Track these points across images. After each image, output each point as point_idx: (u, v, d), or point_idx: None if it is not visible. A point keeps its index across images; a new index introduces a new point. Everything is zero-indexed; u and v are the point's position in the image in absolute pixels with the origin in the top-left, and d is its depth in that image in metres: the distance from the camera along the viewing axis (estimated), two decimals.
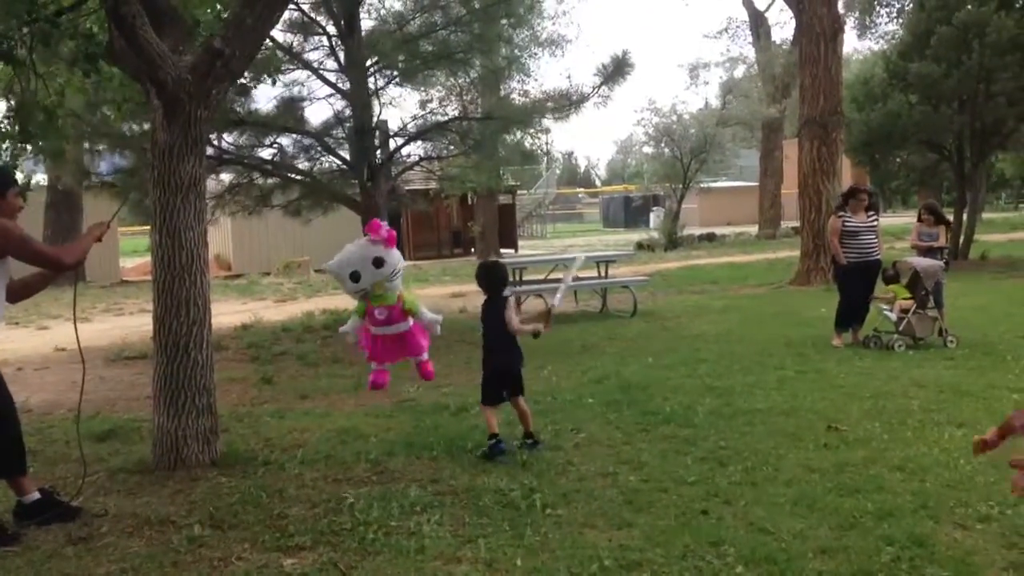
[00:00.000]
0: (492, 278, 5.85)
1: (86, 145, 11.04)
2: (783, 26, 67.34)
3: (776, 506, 4.41)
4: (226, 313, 13.65)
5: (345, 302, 14.34)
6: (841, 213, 9.48)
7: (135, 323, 13.48)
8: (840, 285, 9.56)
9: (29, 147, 7.10)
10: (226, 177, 12.16)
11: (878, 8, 28.10)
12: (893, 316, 9.03)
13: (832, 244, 9.51)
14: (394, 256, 5.03)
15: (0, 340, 10.53)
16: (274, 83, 10.72)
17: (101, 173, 11.82)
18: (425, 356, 5.27)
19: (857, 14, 28.88)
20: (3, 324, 4.66)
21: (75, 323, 5.26)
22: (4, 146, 7.05)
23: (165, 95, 5.20)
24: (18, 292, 4.78)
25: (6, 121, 7.02)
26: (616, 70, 10.96)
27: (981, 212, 24.25)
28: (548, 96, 12.08)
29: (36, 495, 4.62)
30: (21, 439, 4.63)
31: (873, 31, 29.70)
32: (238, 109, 10.35)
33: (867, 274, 9.30)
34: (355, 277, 4.94)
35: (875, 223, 9.47)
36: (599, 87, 11.09)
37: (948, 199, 25.03)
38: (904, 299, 9.00)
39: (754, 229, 34.09)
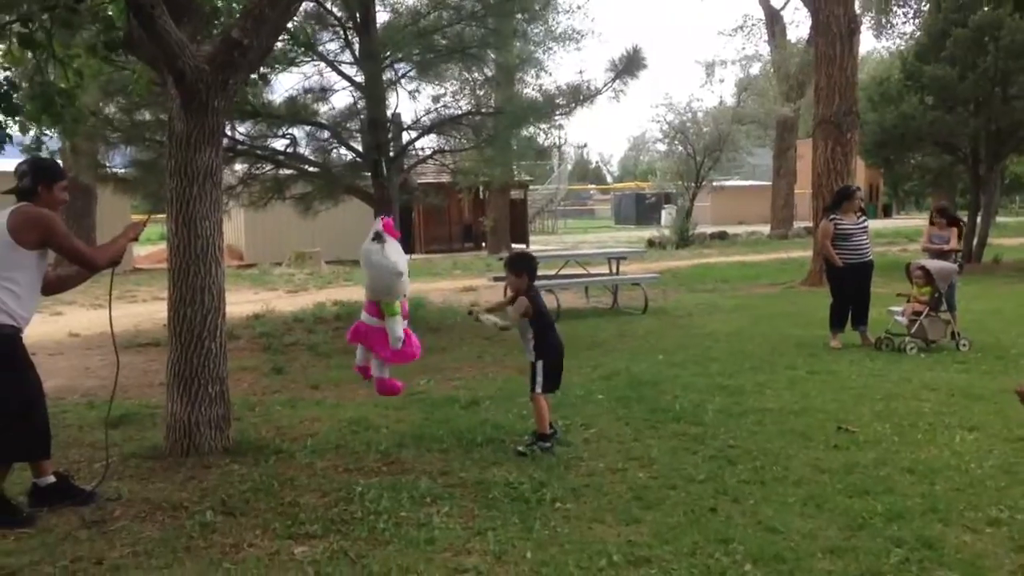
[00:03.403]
0: (535, 264, 5.82)
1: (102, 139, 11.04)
2: (798, 25, 67.15)
3: (785, 505, 4.42)
4: (238, 303, 13.70)
5: (356, 294, 14.36)
6: (832, 216, 9.45)
7: (148, 310, 13.54)
8: (833, 287, 9.52)
9: (49, 132, 7.13)
10: (239, 167, 12.18)
11: (895, 8, 28.00)
12: (904, 319, 9.00)
13: (825, 247, 9.48)
14: None
15: None
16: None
17: (115, 165, 11.86)
18: (386, 372, 5.32)
19: (874, 14, 28.76)
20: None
21: (110, 315, 5.30)
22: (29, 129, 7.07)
23: (183, 85, 5.23)
24: (53, 285, 4.85)
25: (27, 105, 7.04)
26: (628, 65, 10.92)
27: (995, 215, 24.09)
28: (560, 91, 12.06)
29: (51, 479, 4.67)
30: (47, 423, 4.68)
31: (890, 31, 29.62)
32: (252, 100, 10.37)
33: (861, 275, 9.28)
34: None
35: (866, 224, 9.46)
36: (611, 82, 11.06)
37: (962, 202, 24.90)
38: (918, 301, 8.96)
39: (766, 228, 33.99)
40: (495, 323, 5.74)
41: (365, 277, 5.18)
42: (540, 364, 5.58)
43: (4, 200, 4.38)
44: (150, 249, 26.80)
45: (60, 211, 4.64)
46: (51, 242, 4.45)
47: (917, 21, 26.20)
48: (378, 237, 5.03)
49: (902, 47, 25.61)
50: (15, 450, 4.52)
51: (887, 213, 47.49)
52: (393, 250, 5.04)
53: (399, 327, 5.12)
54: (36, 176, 4.53)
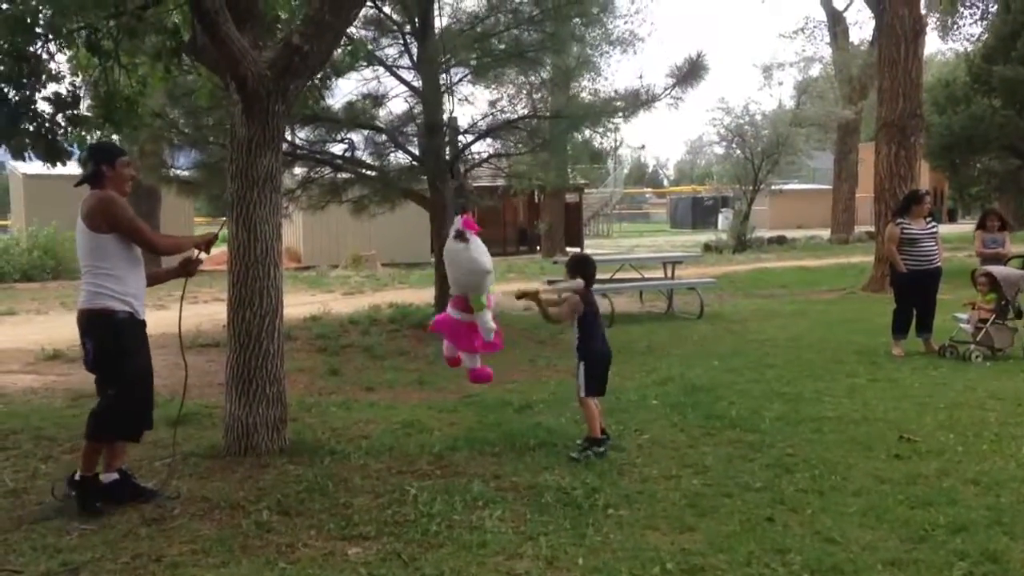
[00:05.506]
0: (594, 267, 5.83)
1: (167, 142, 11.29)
2: (861, 26, 65.72)
3: (844, 516, 4.33)
4: (296, 304, 13.88)
5: (411, 297, 14.47)
6: (900, 220, 9.22)
7: (209, 311, 13.79)
8: (897, 293, 9.30)
9: (116, 137, 7.32)
10: (298, 171, 12.35)
11: (961, 9, 27.35)
12: (969, 327, 8.76)
13: (890, 252, 9.26)
14: None
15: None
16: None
17: (179, 167, 12.12)
18: (478, 362, 5.37)
19: (939, 15, 28.14)
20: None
21: (179, 322, 5.45)
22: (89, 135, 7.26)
23: (244, 91, 5.32)
24: (151, 279, 4.99)
25: (91, 111, 7.23)
26: (690, 72, 10.80)
27: None
28: (619, 96, 12.00)
29: (115, 475, 4.78)
30: (143, 406, 4.81)
31: (956, 33, 28.94)
32: (312, 105, 10.52)
33: (927, 283, 9.04)
34: None
35: (935, 230, 9.20)
36: (671, 88, 10.96)
37: None
38: (983, 308, 8.72)
39: (826, 233, 33.44)
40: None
41: (450, 274, 5.23)
42: (582, 366, 5.60)
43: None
44: (213, 251, 27.34)
45: (129, 187, 4.75)
46: (114, 222, 4.54)
47: (984, 22, 25.57)
48: (460, 235, 5.07)
49: (968, 49, 25.00)
50: (115, 428, 4.67)
51: (952, 218, 46.36)
52: (479, 250, 5.08)
53: (490, 319, 5.17)
54: (97, 158, 4.69)
